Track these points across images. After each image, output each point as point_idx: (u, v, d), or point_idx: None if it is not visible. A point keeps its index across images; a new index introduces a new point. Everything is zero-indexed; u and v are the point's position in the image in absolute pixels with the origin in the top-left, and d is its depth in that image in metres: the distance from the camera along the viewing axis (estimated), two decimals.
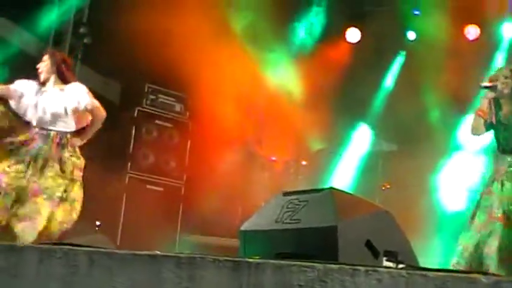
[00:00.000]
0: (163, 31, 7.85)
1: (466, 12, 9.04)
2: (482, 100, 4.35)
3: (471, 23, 9.23)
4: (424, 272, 1.95)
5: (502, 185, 4.02)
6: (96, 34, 8.39)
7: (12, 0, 7.31)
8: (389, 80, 9.93)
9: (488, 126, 4.29)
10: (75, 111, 5.10)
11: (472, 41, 9.28)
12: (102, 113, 5.24)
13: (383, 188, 8.52)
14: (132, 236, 7.92)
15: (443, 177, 7.66)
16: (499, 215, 3.91)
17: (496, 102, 4.25)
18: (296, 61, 9.66)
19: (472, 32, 9.26)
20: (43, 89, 5.15)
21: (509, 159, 4.13)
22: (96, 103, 5.19)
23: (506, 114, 4.18)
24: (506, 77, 4.22)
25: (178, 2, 7.86)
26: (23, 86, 5.13)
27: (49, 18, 8.04)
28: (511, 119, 4.17)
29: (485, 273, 1.90)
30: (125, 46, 7.55)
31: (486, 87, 4.28)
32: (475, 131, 4.33)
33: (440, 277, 1.91)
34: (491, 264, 3.66)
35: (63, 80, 5.22)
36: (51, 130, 5.03)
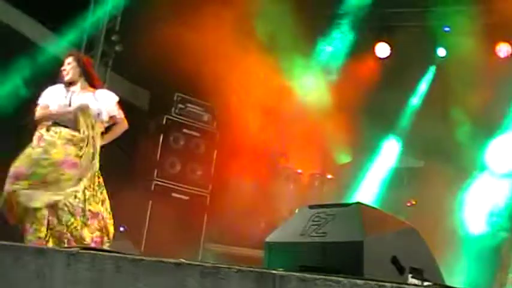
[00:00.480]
0: (192, 41, 7.92)
1: (498, 29, 8.98)
2: None
3: (503, 41, 9.16)
4: None
5: None
6: (128, 42, 8.48)
7: (47, 7, 7.43)
8: (417, 96, 9.87)
9: None
10: (102, 119, 5.17)
11: (504, 58, 9.20)
12: (126, 125, 5.36)
13: (408, 205, 8.46)
14: (156, 243, 7.96)
15: (469, 198, 7.57)
16: None
17: None
18: (324, 74, 9.66)
19: (503, 49, 9.18)
20: (72, 89, 5.22)
21: None
22: (122, 115, 5.27)
23: None
24: None
25: (208, 14, 7.93)
26: (50, 97, 5.19)
27: (82, 25, 8.15)
28: None
29: None
30: (155, 55, 7.63)
31: None
32: None
33: None
34: None
35: (90, 82, 5.29)
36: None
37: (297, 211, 8.48)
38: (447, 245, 7.61)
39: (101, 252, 2.78)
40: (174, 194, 8.60)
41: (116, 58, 8.66)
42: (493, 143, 8.60)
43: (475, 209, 7.72)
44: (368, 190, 9.30)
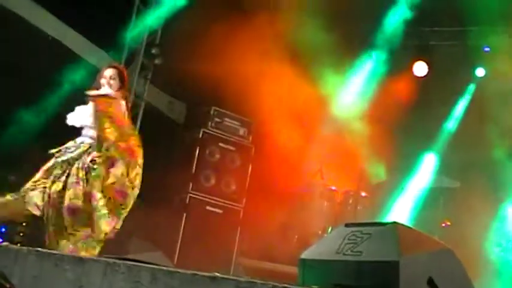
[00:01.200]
0: (231, 56, 7.99)
1: None
2: None
3: None
4: None
5: None
6: (167, 55, 8.59)
7: (89, 18, 7.57)
8: (455, 116, 9.79)
9: None
10: None
11: None
12: None
13: (443, 225, 8.36)
14: (189, 255, 7.99)
15: (506, 220, 7.45)
16: None
17: None
18: (362, 92, 9.65)
19: None
20: None
21: None
22: None
23: None
24: None
25: (248, 28, 7.99)
26: (77, 121, 5.30)
27: (123, 38, 8.28)
28: None
29: None
30: (193, 69, 7.72)
31: None
32: None
33: None
34: None
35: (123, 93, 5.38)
36: None
37: (330, 228, 8.48)
38: (482, 266, 7.51)
39: (137, 263, 2.82)
40: (208, 207, 8.62)
41: (155, 71, 8.77)
42: None
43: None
44: (403, 210, 9.23)
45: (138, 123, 8.35)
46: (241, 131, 9.10)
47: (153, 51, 8.60)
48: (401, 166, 9.39)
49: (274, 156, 8.62)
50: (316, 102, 8.98)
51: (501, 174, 8.67)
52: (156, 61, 8.63)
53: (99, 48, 8.08)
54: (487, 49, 9.43)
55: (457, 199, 8.49)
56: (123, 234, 7.23)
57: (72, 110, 5.27)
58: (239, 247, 8.73)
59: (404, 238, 2.65)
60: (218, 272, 2.66)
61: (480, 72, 9.60)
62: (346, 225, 2.96)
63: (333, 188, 9.10)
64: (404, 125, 9.07)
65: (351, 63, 9.78)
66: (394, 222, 2.83)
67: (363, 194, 8.97)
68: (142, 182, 5.13)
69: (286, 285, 2.29)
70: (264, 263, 8.31)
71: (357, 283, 2.62)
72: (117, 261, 2.84)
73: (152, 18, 8.59)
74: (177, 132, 9.27)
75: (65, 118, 5.24)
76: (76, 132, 5.18)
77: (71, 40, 7.88)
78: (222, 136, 8.90)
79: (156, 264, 3.00)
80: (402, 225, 2.85)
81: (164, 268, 2.76)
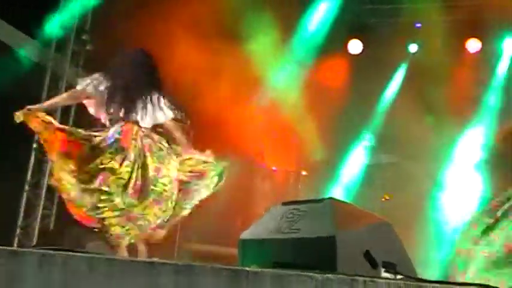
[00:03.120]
0: (164, 38, 7.87)
1: (468, 25, 9.09)
2: None
3: (472, 37, 9.27)
4: (421, 283, 1.96)
5: None
6: (99, 41, 8.41)
7: (16, 7, 7.35)
8: (390, 92, 9.94)
9: None
10: None
11: (473, 54, 9.31)
12: None
13: (382, 200, 8.51)
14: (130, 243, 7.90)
15: (442, 191, 7.65)
16: None
17: None
18: (297, 71, 9.66)
19: (473, 45, 9.30)
20: None
21: None
22: None
23: None
24: None
25: (178, 5, 7.88)
26: None
27: (52, 25, 8.07)
28: None
29: (482, 285, 1.91)
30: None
31: None
32: None
33: None
34: None
35: None
36: None
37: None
38: (422, 237, 7.70)
39: (73, 253, 2.76)
40: None
41: (87, 57, 8.59)
42: (462, 137, 8.73)
43: (449, 201, 7.79)
44: (343, 186, 9.36)
45: (72, 112, 8.18)
46: (179, 115, 8.99)
47: (84, 37, 8.43)
48: (340, 144, 9.49)
49: (214, 140, 8.57)
50: (251, 83, 8.94)
51: (435, 149, 8.89)
52: (88, 47, 8.46)
53: (27, 35, 7.86)
54: (418, 25, 9.59)
55: (394, 174, 8.66)
56: (62, 224, 7.10)
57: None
58: (182, 232, 8.68)
59: (340, 213, 2.67)
60: (161, 258, 2.63)
61: (413, 48, 9.77)
62: (284, 203, 2.97)
63: (274, 168, 9.14)
64: (342, 102, 9.16)
65: (286, 41, 9.76)
66: (330, 198, 2.86)
67: (304, 173, 9.04)
68: None
69: (225, 266, 2.28)
70: (209, 246, 8.30)
71: (296, 260, 2.63)
72: (52, 252, 2.77)
73: (81, 4, 8.41)
74: None
75: None
76: None
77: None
78: None
79: (94, 253, 2.94)
80: (338, 200, 2.88)
81: (101, 256, 2.70)
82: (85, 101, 5.13)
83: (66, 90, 7.96)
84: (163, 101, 5.23)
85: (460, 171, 7.52)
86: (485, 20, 8.73)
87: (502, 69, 9.21)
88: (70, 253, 2.73)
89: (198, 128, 8.97)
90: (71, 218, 5.25)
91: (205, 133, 8.72)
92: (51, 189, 8.07)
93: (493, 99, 9.05)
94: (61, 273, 2.63)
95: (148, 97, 5.14)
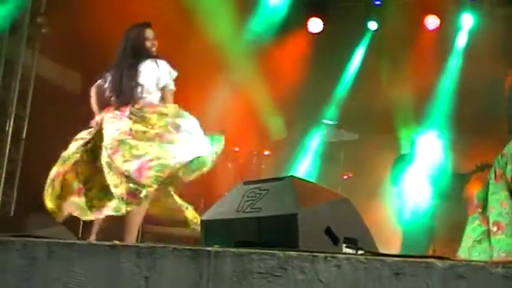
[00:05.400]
0: (121, 20, 7.73)
1: (426, 2, 9.16)
2: None
3: (431, 13, 9.34)
4: (381, 258, 1.98)
5: None
6: (55, 24, 8.24)
7: None
8: (351, 70, 9.98)
9: None
10: None
11: (432, 31, 9.40)
12: None
13: (344, 178, 8.58)
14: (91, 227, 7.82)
15: (405, 168, 7.71)
16: None
17: None
18: (257, 51, 9.61)
19: (431, 22, 9.38)
20: None
21: None
22: None
23: None
24: None
25: None
26: None
27: (5, 8, 7.87)
28: None
29: (441, 258, 1.93)
30: (84, 35, 7.44)
31: None
32: None
33: (397, 262, 1.94)
34: None
35: None
36: None
37: None
38: (384, 214, 7.78)
39: (32, 239, 2.73)
40: None
41: (44, 41, 8.40)
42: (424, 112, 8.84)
43: (412, 177, 7.86)
44: (305, 165, 9.40)
45: (29, 97, 8.03)
46: None
47: (39, 19, 8.24)
48: (301, 122, 9.52)
49: None
50: (212, 64, 8.86)
51: (397, 126, 8.99)
52: (43, 30, 8.28)
53: None
54: (377, 2, 9.63)
55: (356, 151, 8.72)
56: (22, 210, 7.00)
57: None
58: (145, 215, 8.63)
59: (301, 191, 2.68)
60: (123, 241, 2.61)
61: (373, 25, 9.80)
62: (245, 183, 2.97)
63: (236, 149, 9.12)
64: (303, 81, 9.18)
65: (245, 21, 9.68)
66: (291, 176, 2.86)
67: (266, 152, 9.05)
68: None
69: (186, 246, 2.28)
70: (172, 228, 8.26)
71: (258, 239, 2.64)
72: (11, 238, 2.73)
73: None
74: (73, 104, 8.96)
75: None
76: None
77: None
78: None
79: (54, 238, 2.91)
80: (298, 178, 2.89)
81: (61, 241, 2.68)
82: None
83: (21, 75, 7.82)
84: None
85: (423, 144, 7.57)
86: None
87: (460, 44, 9.32)
88: (30, 239, 2.71)
89: None
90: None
91: None
92: (10, 176, 7.95)
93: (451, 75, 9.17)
94: (20, 258, 2.60)
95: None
